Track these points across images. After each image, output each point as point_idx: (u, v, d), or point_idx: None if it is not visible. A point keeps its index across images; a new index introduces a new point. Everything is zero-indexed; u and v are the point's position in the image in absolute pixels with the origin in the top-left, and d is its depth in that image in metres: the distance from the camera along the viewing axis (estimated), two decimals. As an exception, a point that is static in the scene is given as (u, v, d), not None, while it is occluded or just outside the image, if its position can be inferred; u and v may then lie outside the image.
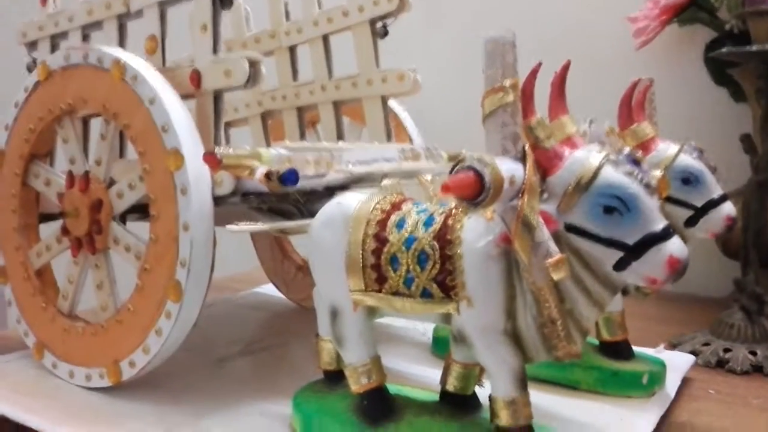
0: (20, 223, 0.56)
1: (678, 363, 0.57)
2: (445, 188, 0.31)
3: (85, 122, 0.60)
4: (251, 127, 0.78)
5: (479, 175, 0.31)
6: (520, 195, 0.33)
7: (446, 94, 0.92)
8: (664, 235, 0.33)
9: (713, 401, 0.54)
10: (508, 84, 0.34)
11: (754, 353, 0.60)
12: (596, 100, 0.58)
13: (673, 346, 0.64)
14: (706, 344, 0.63)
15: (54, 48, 0.64)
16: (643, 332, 0.65)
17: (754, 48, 0.65)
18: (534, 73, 0.36)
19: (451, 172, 0.32)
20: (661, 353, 0.58)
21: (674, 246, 0.33)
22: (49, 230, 0.56)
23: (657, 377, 0.52)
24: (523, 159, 0.34)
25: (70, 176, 0.53)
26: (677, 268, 0.33)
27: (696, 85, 0.92)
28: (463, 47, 1.03)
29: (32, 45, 0.66)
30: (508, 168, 0.33)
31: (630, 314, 0.55)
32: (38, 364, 0.55)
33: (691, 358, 0.59)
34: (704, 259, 0.87)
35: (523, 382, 0.37)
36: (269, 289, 0.85)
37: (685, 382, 0.56)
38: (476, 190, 0.31)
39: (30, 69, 0.66)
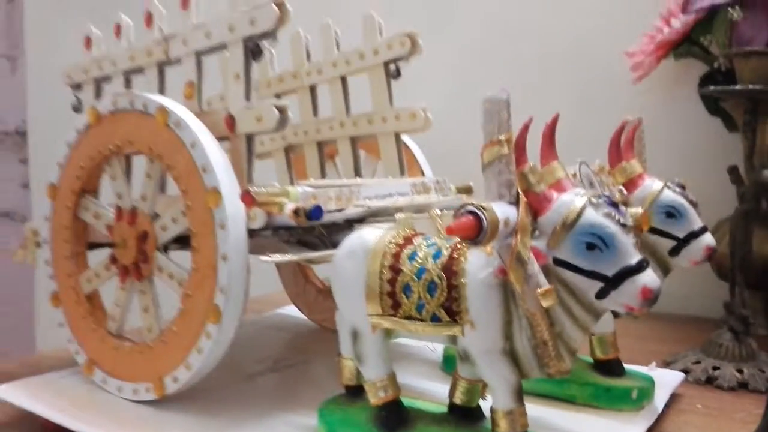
0: (71, 252, 0.62)
1: (668, 380, 0.61)
2: (450, 231, 0.37)
3: (128, 159, 0.66)
4: (275, 160, 0.84)
5: (478, 218, 0.37)
6: (514, 234, 0.38)
7: (454, 129, 0.98)
8: (639, 268, 0.38)
9: (699, 415, 0.58)
10: (503, 138, 0.39)
11: (741, 371, 0.65)
12: (595, 132, 0.63)
13: (666, 364, 0.68)
14: (697, 362, 0.67)
15: (98, 90, 0.70)
16: (639, 351, 0.69)
17: (738, 87, 0.70)
18: (526, 128, 0.41)
19: (454, 215, 0.38)
20: (653, 371, 0.62)
21: (647, 277, 0.38)
22: (96, 258, 0.62)
23: (646, 392, 0.56)
24: (516, 202, 0.39)
25: (119, 210, 0.58)
26: (649, 297, 0.37)
27: (691, 115, 0.97)
28: (469, 84, 1.10)
29: (77, 86, 0.72)
30: (504, 211, 0.38)
31: (627, 334, 0.59)
32: (89, 380, 0.60)
33: (681, 375, 0.63)
34: (700, 281, 0.92)
35: (519, 395, 0.42)
36: (291, 311, 0.90)
37: (675, 397, 0.60)
38: (475, 232, 0.37)
39: (75, 109, 0.72)
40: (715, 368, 0.66)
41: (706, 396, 0.62)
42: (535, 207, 0.40)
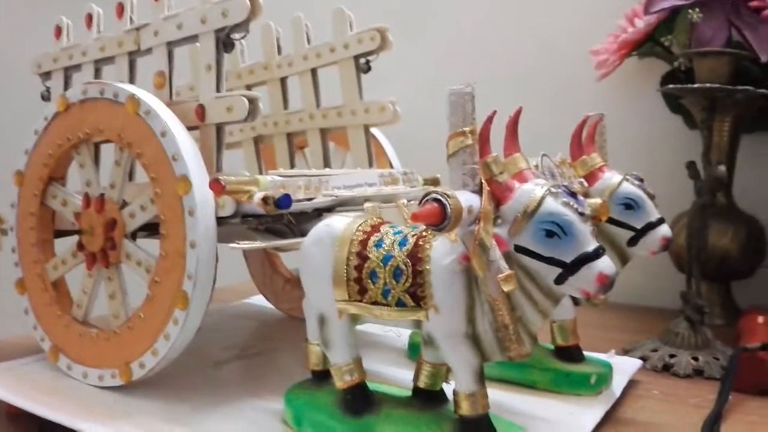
0: (38, 239, 0.62)
1: (626, 367, 0.63)
2: (415, 217, 0.38)
3: (96, 147, 0.66)
4: (244, 151, 0.85)
5: (443, 206, 0.38)
6: (477, 221, 0.40)
7: (421, 121, 0.99)
8: (595, 255, 0.39)
9: (656, 400, 0.60)
10: (467, 129, 0.41)
11: (696, 359, 0.67)
12: (562, 127, 0.64)
13: (625, 352, 0.70)
14: (654, 350, 0.70)
15: (67, 79, 0.70)
16: (600, 339, 0.71)
17: (696, 86, 0.73)
18: (489, 120, 0.42)
19: (420, 203, 0.39)
20: (612, 358, 0.64)
21: (603, 264, 0.39)
22: (63, 246, 0.62)
23: (604, 378, 0.58)
24: (480, 191, 0.41)
25: (87, 198, 0.58)
26: (605, 283, 0.39)
27: (653, 113, 0.99)
28: (436, 79, 1.11)
29: (46, 75, 0.72)
30: (467, 199, 0.39)
31: (588, 323, 0.61)
32: (54, 367, 0.60)
33: (638, 362, 0.66)
34: (659, 273, 0.94)
35: (481, 377, 0.43)
36: (258, 300, 0.90)
37: (633, 384, 0.62)
38: (440, 219, 0.38)
39: (44, 97, 0.72)
40: (671, 356, 0.68)
41: (662, 383, 0.65)
42: (498, 196, 0.41)
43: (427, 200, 0.39)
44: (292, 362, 0.66)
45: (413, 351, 0.67)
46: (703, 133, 0.75)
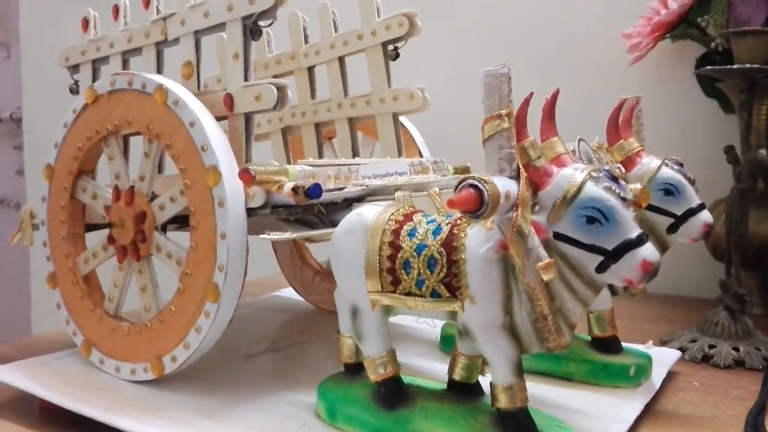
0: (68, 233, 0.62)
1: (665, 358, 0.62)
2: (451, 203, 0.37)
3: (125, 140, 0.65)
4: (272, 142, 0.84)
5: (480, 192, 0.37)
6: (514, 208, 0.39)
7: (451, 110, 0.98)
8: (639, 242, 0.38)
9: (697, 392, 0.58)
10: (504, 112, 0.39)
11: (737, 349, 0.65)
12: (593, 112, 0.63)
13: (662, 343, 0.69)
14: (693, 341, 0.68)
15: (95, 72, 0.70)
16: (635, 331, 0.70)
17: (735, 67, 0.70)
18: (527, 102, 0.41)
19: (456, 189, 0.38)
20: (650, 349, 0.62)
21: (647, 251, 0.38)
22: (94, 239, 0.62)
23: (643, 369, 0.57)
24: (517, 177, 0.39)
25: (116, 190, 0.58)
26: (650, 270, 0.38)
27: (687, 97, 0.97)
28: (466, 65, 1.09)
29: (74, 68, 0.72)
30: (504, 185, 0.38)
31: (623, 314, 0.60)
32: (86, 361, 0.60)
33: (677, 353, 0.64)
34: (695, 262, 0.92)
35: (519, 370, 0.42)
36: (288, 293, 0.90)
37: (672, 375, 0.61)
38: (477, 205, 0.37)
39: (72, 90, 0.72)
40: (711, 346, 0.66)
41: (702, 374, 0.63)
42: (536, 181, 0.40)
43: (463, 186, 0.37)
44: (324, 355, 0.65)
45: (446, 343, 0.66)
46: (742, 116, 0.73)
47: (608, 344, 0.58)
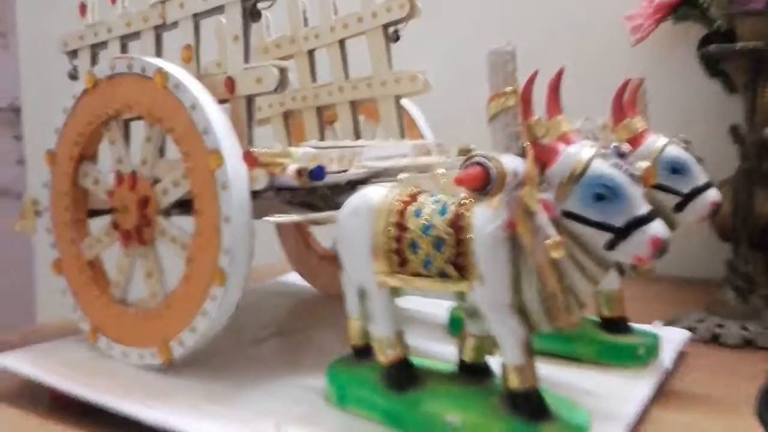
0: (72, 219, 0.61)
1: (673, 337, 0.61)
2: (458, 181, 0.37)
3: (126, 124, 0.65)
4: (273, 127, 0.84)
5: (486, 170, 0.37)
6: (521, 186, 0.38)
7: (454, 92, 0.97)
8: (648, 218, 0.37)
9: (706, 372, 0.58)
10: (509, 90, 0.39)
11: (746, 328, 0.65)
12: (595, 94, 0.62)
13: (670, 323, 0.68)
14: (701, 321, 0.68)
15: (94, 57, 0.69)
16: (641, 312, 0.69)
17: (740, 46, 0.70)
18: (531, 80, 0.41)
19: (462, 167, 0.38)
20: (657, 328, 0.62)
21: (657, 227, 0.37)
22: (96, 225, 0.62)
23: (652, 349, 0.56)
24: (523, 154, 0.39)
25: (119, 175, 0.58)
26: (659, 247, 0.37)
27: (690, 78, 0.96)
28: (467, 48, 1.08)
29: (73, 53, 0.71)
30: (511, 163, 0.38)
31: (629, 295, 0.59)
32: (93, 347, 0.59)
33: (686, 333, 0.64)
34: (699, 242, 0.91)
35: (529, 349, 0.42)
36: (292, 278, 0.90)
37: (681, 355, 0.60)
38: (484, 183, 0.37)
39: (72, 76, 0.71)
40: (719, 326, 0.66)
41: (711, 354, 0.63)
42: (543, 159, 0.40)
43: (470, 164, 0.37)
44: (331, 339, 0.65)
45: (454, 326, 0.65)
46: (747, 95, 0.72)
47: (617, 324, 0.58)
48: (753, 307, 0.67)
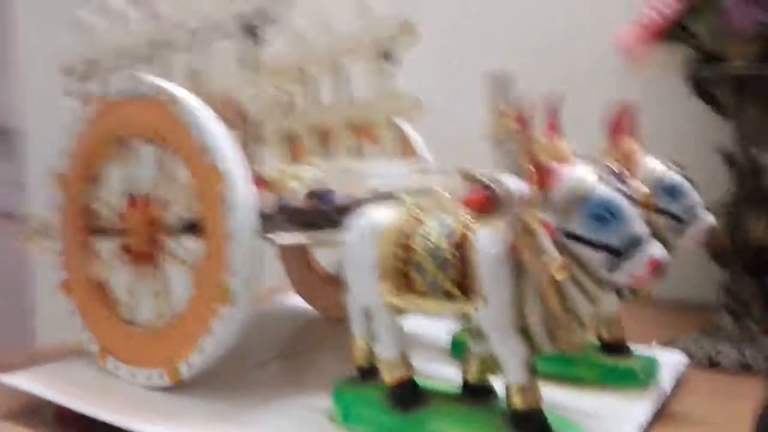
0: (81, 240, 0.62)
1: (671, 360, 0.62)
2: (466, 203, 0.38)
3: (135, 145, 0.66)
4: (272, 148, 0.84)
5: (492, 191, 0.38)
6: (524, 208, 0.39)
7: (452, 113, 0.98)
8: (646, 240, 0.39)
9: (705, 396, 0.58)
10: (511, 112, 0.40)
11: (743, 353, 0.65)
12: (584, 115, 0.63)
13: (666, 346, 0.69)
14: (697, 344, 0.68)
15: (97, 77, 0.70)
16: (640, 334, 0.70)
17: (728, 68, 0.71)
18: (532, 104, 0.42)
19: (468, 189, 0.39)
20: (654, 350, 0.63)
21: (655, 248, 0.39)
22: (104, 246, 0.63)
23: (651, 372, 0.57)
24: (526, 177, 0.40)
25: (129, 197, 0.59)
26: (657, 267, 0.38)
27: (679, 101, 0.97)
28: (455, 71, 1.10)
29: (77, 74, 0.72)
30: (515, 184, 0.39)
31: (627, 318, 0.60)
32: (99, 368, 0.60)
33: (683, 356, 0.64)
34: (693, 266, 0.92)
35: (532, 369, 0.42)
36: (293, 300, 0.90)
37: (678, 379, 0.61)
38: (490, 204, 0.38)
39: (75, 98, 0.72)
40: (717, 350, 0.66)
41: (709, 378, 0.63)
42: (544, 181, 0.41)
43: (475, 186, 0.38)
44: (333, 362, 0.66)
45: (456, 349, 0.66)
46: (738, 116, 0.73)
47: (617, 347, 0.58)
48: (749, 331, 0.67)
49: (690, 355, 0.66)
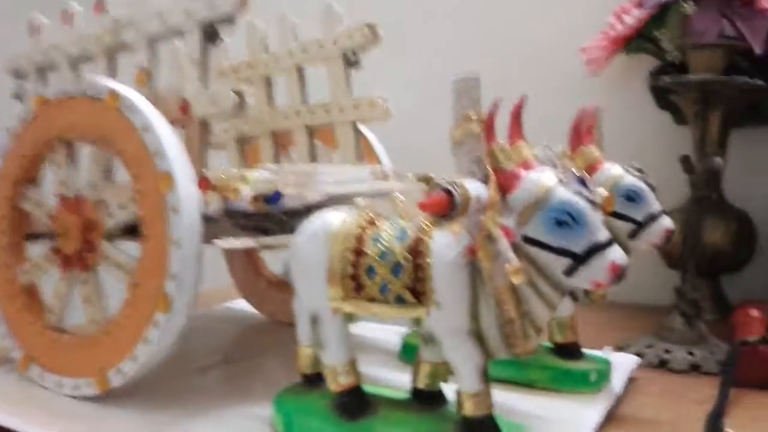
0: (9, 242, 0.59)
1: (623, 363, 0.62)
2: (422, 206, 0.36)
3: (72, 146, 0.62)
4: (228, 151, 0.82)
5: (451, 195, 0.36)
6: (483, 211, 0.38)
7: (412, 120, 0.97)
8: (607, 245, 0.38)
9: (655, 397, 0.58)
10: (474, 117, 0.39)
11: (692, 354, 0.66)
12: (552, 122, 0.63)
13: (619, 349, 0.69)
14: (649, 346, 0.68)
15: (42, 78, 0.67)
16: (593, 338, 0.70)
17: (692, 78, 0.72)
18: (495, 107, 0.41)
19: (426, 191, 0.37)
20: (608, 354, 0.62)
21: (616, 254, 0.38)
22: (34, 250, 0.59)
23: (603, 375, 0.57)
24: (486, 180, 0.39)
25: (62, 198, 0.55)
26: (618, 273, 0.37)
27: (641, 109, 0.99)
28: (426, 79, 1.10)
29: (20, 74, 0.68)
30: (474, 188, 0.38)
31: (581, 322, 0.60)
32: (24, 377, 0.56)
33: (635, 358, 0.64)
34: (649, 270, 0.93)
35: (485, 376, 0.41)
36: (240, 304, 0.87)
37: (630, 380, 0.61)
38: (449, 208, 0.36)
39: (18, 97, 0.68)
40: (667, 351, 0.67)
41: (659, 379, 0.63)
42: (504, 185, 0.39)
43: (434, 189, 0.37)
44: (279, 367, 0.64)
45: (406, 353, 0.64)
46: (697, 124, 0.74)
47: (569, 350, 0.58)
48: (699, 332, 0.67)
49: (641, 356, 0.66)
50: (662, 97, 0.94)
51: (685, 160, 0.69)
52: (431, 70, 1.13)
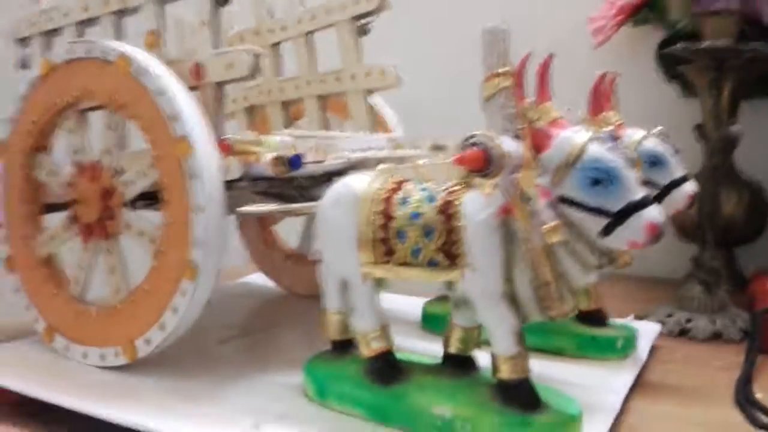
0: (25, 213, 0.58)
1: (647, 331, 0.62)
2: (458, 161, 0.35)
3: (84, 112, 0.61)
4: (237, 121, 0.81)
5: (487, 151, 0.35)
6: (518, 170, 0.37)
7: (425, 88, 0.96)
8: (644, 203, 0.37)
9: (680, 364, 0.59)
10: (505, 71, 0.38)
11: (713, 322, 0.66)
12: (558, 93, 0.62)
13: (639, 318, 0.69)
14: (669, 315, 0.68)
15: (48, 44, 0.66)
16: (612, 309, 0.69)
17: (705, 45, 0.71)
18: (523, 62, 0.40)
19: (461, 147, 0.36)
20: (632, 323, 0.62)
21: (653, 212, 0.37)
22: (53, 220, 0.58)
23: (630, 341, 0.57)
24: (520, 137, 0.38)
25: (79, 165, 0.54)
26: (656, 232, 0.36)
27: (649, 80, 0.98)
28: (437, 46, 1.08)
29: (24, 41, 0.67)
30: (509, 145, 0.37)
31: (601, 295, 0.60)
32: (49, 349, 0.56)
33: (658, 326, 0.64)
34: (661, 243, 0.93)
35: (521, 339, 0.40)
36: (256, 279, 0.87)
37: (654, 348, 0.61)
38: (485, 164, 0.35)
39: (23, 65, 0.67)
40: (688, 320, 0.66)
41: (681, 347, 0.63)
42: (537, 143, 0.38)
43: (469, 144, 0.36)
44: (298, 338, 0.63)
45: (428, 322, 0.64)
46: (711, 93, 0.73)
47: (595, 317, 0.57)
48: (719, 300, 0.67)
49: (662, 325, 0.66)
50: (670, 68, 0.92)
51: (699, 128, 0.68)
52: (437, 36, 1.12)
